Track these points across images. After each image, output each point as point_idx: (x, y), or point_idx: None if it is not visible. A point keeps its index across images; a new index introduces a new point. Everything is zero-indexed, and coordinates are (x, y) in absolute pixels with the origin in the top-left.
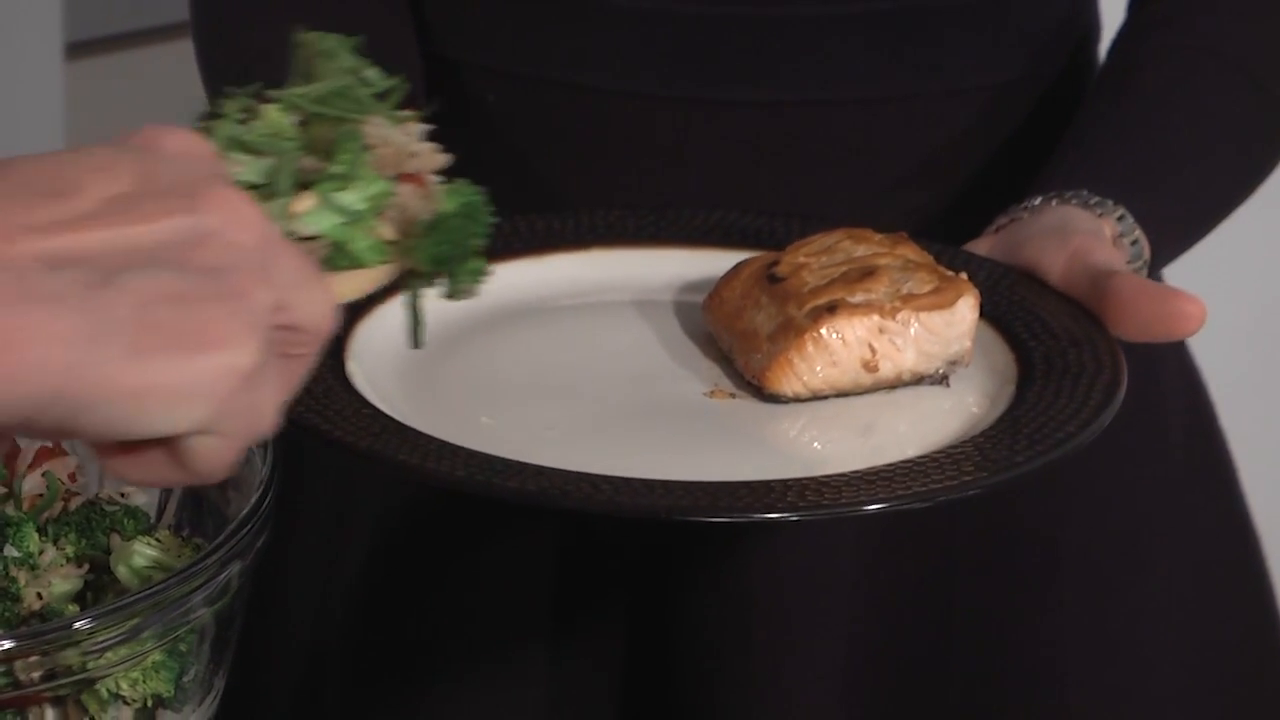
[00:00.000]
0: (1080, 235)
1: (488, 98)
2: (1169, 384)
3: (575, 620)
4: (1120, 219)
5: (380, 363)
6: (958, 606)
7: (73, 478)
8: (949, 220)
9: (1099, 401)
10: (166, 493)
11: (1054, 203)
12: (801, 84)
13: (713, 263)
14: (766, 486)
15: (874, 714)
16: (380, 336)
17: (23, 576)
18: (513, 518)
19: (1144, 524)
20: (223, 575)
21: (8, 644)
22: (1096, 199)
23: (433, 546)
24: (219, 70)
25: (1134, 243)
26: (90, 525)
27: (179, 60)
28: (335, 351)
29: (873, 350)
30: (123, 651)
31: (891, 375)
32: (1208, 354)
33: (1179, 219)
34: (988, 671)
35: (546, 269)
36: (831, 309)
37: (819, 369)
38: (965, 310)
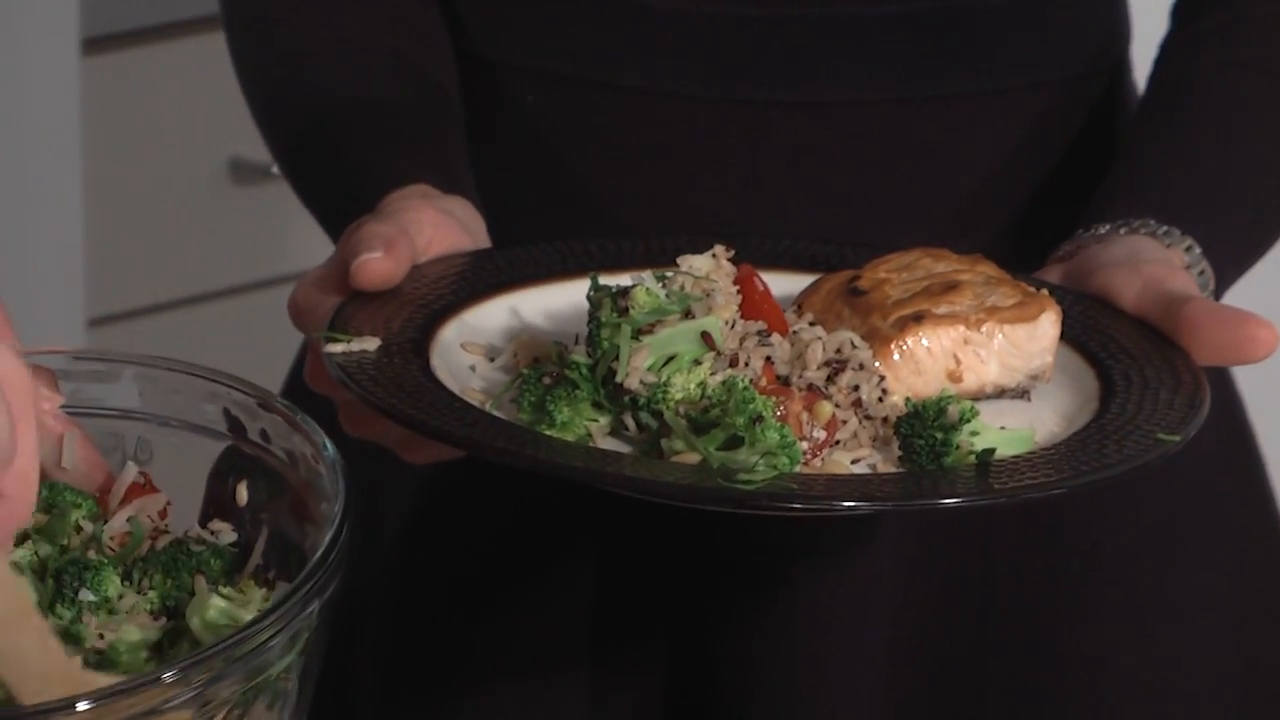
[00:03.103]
0: (1152, 264)
1: (526, 99)
2: None
3: (615, 649)
4: (1188, 249)
5: (462, 363)
6: (996, 609)
7: (163, 515)
8: (987, 225)
9: (1183, 412)
10: (254, 532)
11: (1122, 231)
12: (841, 84)
13: (784, 284)
14: (864, 480)
15: None
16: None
17: (94, 622)
18: (552, 543)
19: (1177, 524)
20: (301, 617)
21: (85, 705)
22: (1164, 229)
23: (468, 578)
24: (260, 70)
25: (1201, 273)
26: (176, 565)
27: (197, 56)
28: (420, 351)
29: (957, 361)
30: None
31: (974, 387)
32: None
33: (1242, 245)
34: (1026, 673)
35: None
36: (918, 319)
37: (904, 378)
38: (1048, 325)
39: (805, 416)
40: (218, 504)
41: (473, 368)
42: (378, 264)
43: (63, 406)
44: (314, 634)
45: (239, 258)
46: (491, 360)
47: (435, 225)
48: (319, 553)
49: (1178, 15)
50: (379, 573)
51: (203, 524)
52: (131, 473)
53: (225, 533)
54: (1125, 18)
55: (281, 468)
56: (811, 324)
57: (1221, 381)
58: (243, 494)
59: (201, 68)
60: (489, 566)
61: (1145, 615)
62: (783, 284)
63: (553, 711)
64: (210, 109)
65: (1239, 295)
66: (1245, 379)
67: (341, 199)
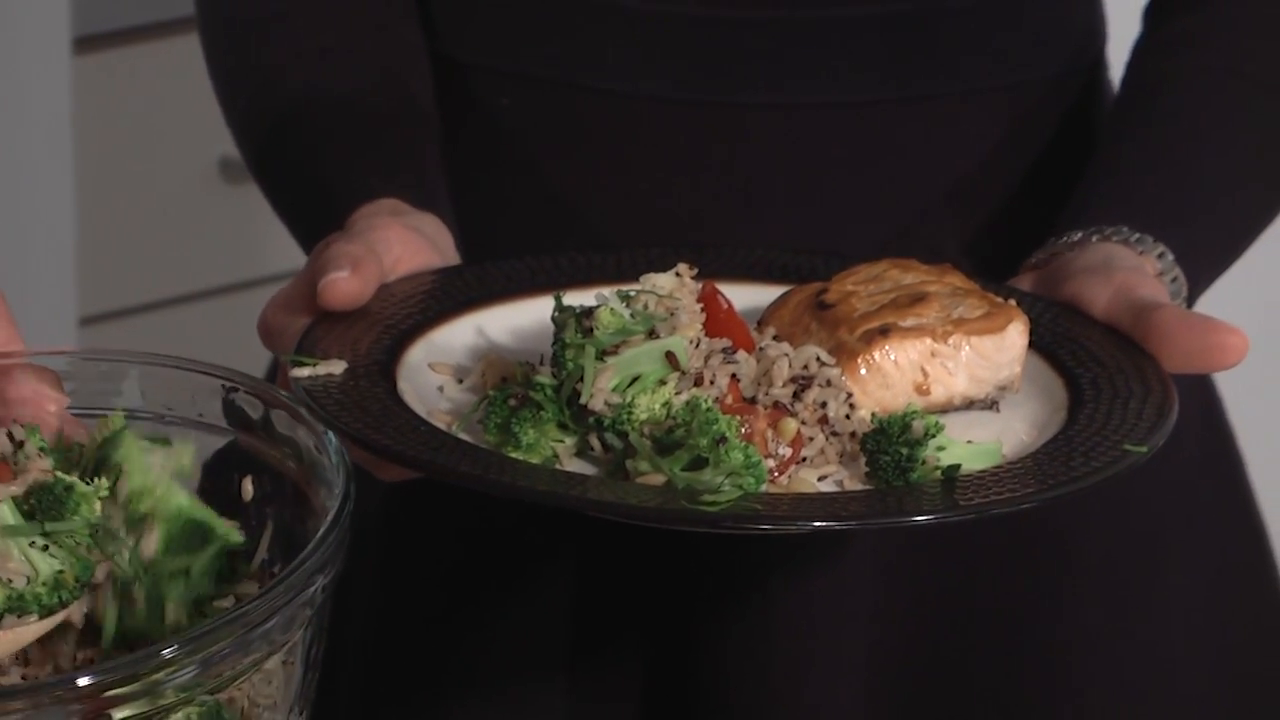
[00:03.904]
0: (1124, 271)
1: (501, 102)
2: (1181, 385)
3: (595, 655)
4: (1160, 256)
5: (430, 385)
6: (978, 610)
7: None
8: (967, 225)
9: (1151, 422)
10: (259, 529)
11: (1094, 239)
12: (818, 86)
13: (755, 296)
14: (830, 499)
15: None
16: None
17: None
18: (531, 549)
19: (1159, 526)
20: (305, 594)
21: (86, 680)
22: (1137, 236)
23: (448, 582)
24: (234, 79)
25: (1174, 280)
26: None
27: (189, 55)
28: (387, 374)
29: (925, 374)
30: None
31: (942, 399)
32: None
33: (1215, 252)
34: (1008, 675)
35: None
36: (884, 332)
37: (871, 391)
38: (1015, 335)
39: (770, 434)
40: (220, 501)
41: (441, 388)
42: (345, 284)
43: (68, 408)
44: (317, 612)
45: (230, 256)
46: (460, 380)
47: (403, 243)
48: (323, 528)
49: (1149, 18)
50: (360, 576)
51: None
52: None
53: (231, 532)
54: (1101, 17)
55: (283, 462)
56: (776, 339)
57: (1202, 385)
58: (248, 489)
59: (193, 66)
60: (468, 571)
61: (1129, 618)
62: (753, 295)
63: (532, 716)
64: (202, 108)
65: (1215, 300)
66: (1225, 381)
67: (312, 210)
